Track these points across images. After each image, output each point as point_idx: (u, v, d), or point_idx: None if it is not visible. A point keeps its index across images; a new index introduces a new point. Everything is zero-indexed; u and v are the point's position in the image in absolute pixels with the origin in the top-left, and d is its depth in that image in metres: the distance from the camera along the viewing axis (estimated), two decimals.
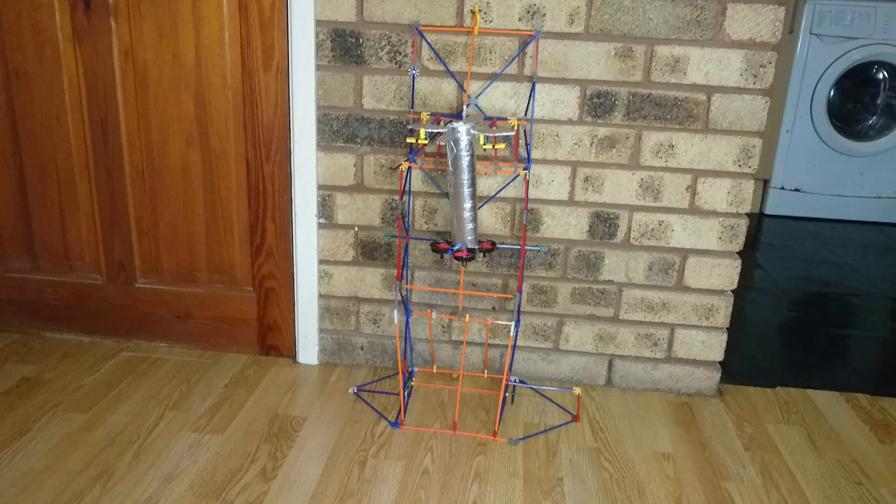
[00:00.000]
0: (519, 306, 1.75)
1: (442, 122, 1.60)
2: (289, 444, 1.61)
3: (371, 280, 1.91)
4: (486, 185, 1.78)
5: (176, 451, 1.56)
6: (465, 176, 1.37)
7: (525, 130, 1.70)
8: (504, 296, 1.86)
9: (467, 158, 1.35)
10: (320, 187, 1.85)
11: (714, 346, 1.87)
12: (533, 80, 1.69)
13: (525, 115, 1.71)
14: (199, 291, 2.00)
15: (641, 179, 1.75)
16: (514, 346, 1.72)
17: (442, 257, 1.47)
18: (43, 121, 1.89)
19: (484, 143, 1.36)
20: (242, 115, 1.83)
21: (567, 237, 1.82)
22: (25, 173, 1.94)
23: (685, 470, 1.58)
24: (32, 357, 1.96)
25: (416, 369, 1.96)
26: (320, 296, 1.94)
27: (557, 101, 1.71)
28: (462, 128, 1.32)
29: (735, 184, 1.74)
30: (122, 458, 1.53)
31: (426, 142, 1.39)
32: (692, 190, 1.75)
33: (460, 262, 1.45)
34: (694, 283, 1.82)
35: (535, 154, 1.75)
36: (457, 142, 1.33)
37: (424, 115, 1.59)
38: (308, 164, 1.82)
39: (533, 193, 1.78)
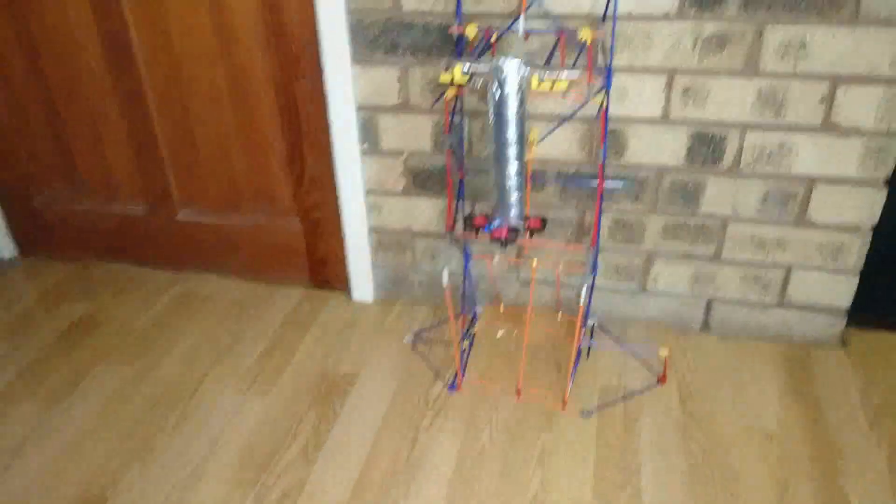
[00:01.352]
0: (596, 253, 1.46)
1: (494, 36, 1.25)
2: (336, 412, 1.47)
3: (426, 212, 1.66)
4: (551, 105, 1.44)
5: (220, 417, 1.46)
6: (512, 131, 1.05)
7: (603, 40, 1.32)
8: (573, 248, 1.57)
9: (515, 107, 1.03)
10: (360, 108, 1.57)
11: (841, 291, 1.53)
12: None
13: (605, 15, 1.32)
14: (244, 222, 1.82)
15: (759, 90, 1.35)
16: (589, 306, 1.46)
17: (476, 234, 1.19)
18: (59, 38, 1.67)
19: (538, 85, 1.02)
20: (264, 24, 1.54)
21: (658, 163, 1.47)
22: (55, 99, 1.77)
23: (792, 456, 1.32)
24: (87, 293, 1.89)
25: (480, 309, 1.74)
26: (371, 229, 1.72)
27: None
28: (509, 65, 0.99)
29: (890, 93, 1.31)
30: (166, 422, 1.44)
31: (464, 82, 1.08)
32: (828, 102, 1.34)
33: (499, 245, 1.17)
34: (821, 218, 1.46)
35: (619, 60, 1.38)
36: (502, 83, 1.00)
37: (471, 28, 1.24)
38: (343, 81, 1.53)
39: (615, 110, 1.43)
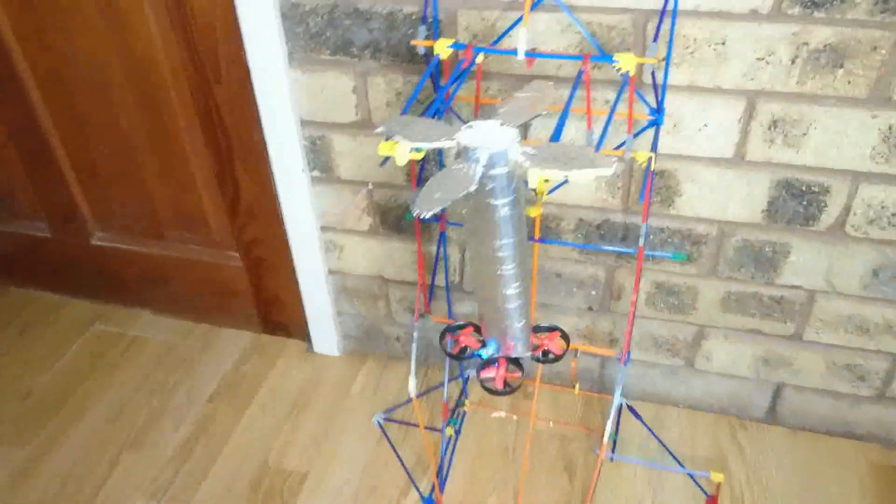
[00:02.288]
0: (629, 341, 1.03)
1: (480, 58, 0.79)
2: None
3: (401, 257, 1.24)
4: (577, 131, 0.99)
5: None
6: (507, 241, 0.62)
7: (654, 68, 0.85)
8: (594, 338, 1.14)
9: (506, 210, 0.59)
10: (305, 124, 1.13)
11: None
12: None
13: (662, 12, 0.85)
14: (172, 253, 1.42)
15: (890, 127, 0.89)
16: (619, 414, 1.04)
17: (459, 359, 0.77)
18: None
19: (542, 186, 0.57)
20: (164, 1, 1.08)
21: (725, 217, 1.03)
22: None
23: None
24: None
25: (474, 374, 1.35)
26: (331, 272, 1.31)
27: None
28: (491, 142, 0.54)
29: None
30: None
31: (418, 157, 0.63)
32: None
33: (488, 392, 0.75)
34: None
35: (676, 77, 0.91)
36: (482, 180, 0.56)
37: (442, 45, 0.78)
38: (277, 88, 1.08)
39: (665, 144, 0.98)
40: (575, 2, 0.89)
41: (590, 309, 1.19)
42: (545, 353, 0.79)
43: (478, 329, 0.78)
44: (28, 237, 1.51)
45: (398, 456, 1.21)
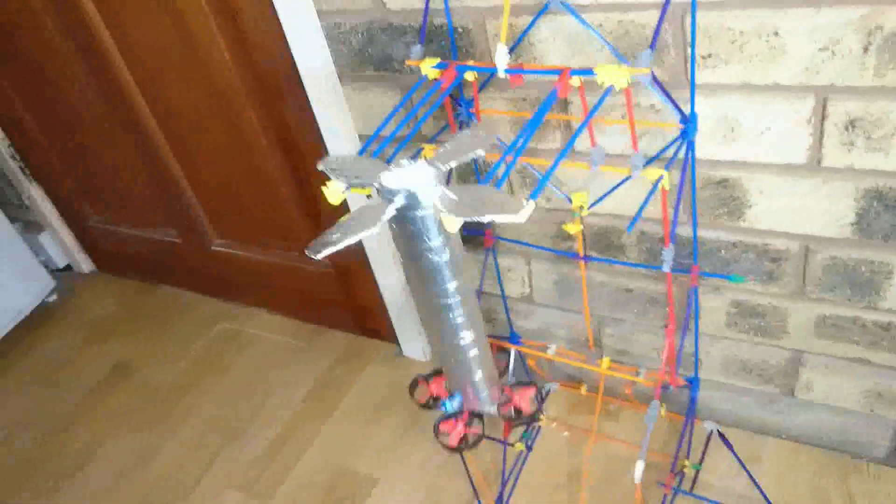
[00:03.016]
0: (696, 361, 0.91)
1: (473, 77, 0.74)
2: None
3: (470, 268, 1.21)
4: (616, 143, 0.89)
5: None
6: (447, 288, 0.57)
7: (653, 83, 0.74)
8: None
9: (438, 254, 0.55)
10: (362, 137, 1.14)
11: None
12: None
13: (661, 18, 0.74)
14: (276, 259, 1.51)
15: None
16: (690, 433, 0.93)
17: (429, 408, 0.73)
18: (51, 58, 1.43)
19: (453, 229, 0.52)
20: (220, 31, 1.15)
21: (805, 232, 0.88)
22: (69, 119, 1.55)
23: None
24: (138, 318, 1.74)
25: (555, 387, 1.29)
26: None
27: None
28: (403, 192, 0.49)
29: None
30: None
31: (363, 192, 0.60)
32: None
33: (443, 447, 0.69)
34: None
35: (726, 75, 0.79)
36: (406, 218, 0.52)
37: (427, 65, 0.74)
38: (333, 105, 1.10)
39: (724, 151, 0.85)
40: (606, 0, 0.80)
41: (666, 327, 1.08)
42: (515, 410, 0.73)
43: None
44: (165, 242, 1.69)
45: (466, 467, 1.19)
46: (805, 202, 0.85)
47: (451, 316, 0.59)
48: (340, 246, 0.50)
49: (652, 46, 0.71)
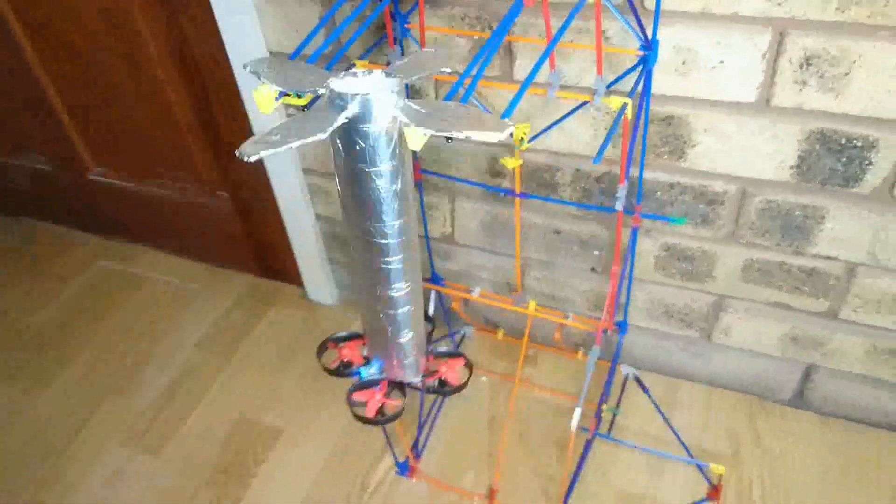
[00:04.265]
0: (626, 308, 0.89)
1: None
2: (239, 496, 1.06)
3: None
4: (570, 71, 0.83)
5: (91, 487, 1.09)
6: (385, 225, 0.49)
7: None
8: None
9: (385, 181, 0.46)
10: (273, 55, 1.01)
11: None
12: None
13: None
14: (169, 192, 1.36)
15: None
16: (618, 355, 0.91)
17: (339, 375, 0.65)
18: None
19: (419, 145, 0.45)
20: None
21: (747, 174, 0.86)
22: None
23: None
24: (7, 256, 1.53)
25: (470, 331, 1.24)
26: (318, 217, 1.22)
27: None
28: (358, 98, 0.41)
29: None
30: (24, 487, 1.09)
31: (298, 103, 0.51)
32: None
33: (357, 419, 0.62)
34: None
35: (687, 2, 0.74)
36: (356, 132, 0.43)
37: None
38: (240, 13, 0.97)
39: (673, 85, 0.81)
40: None
41: (592, 270, 1.05)
42: (441, 381, 0.66)
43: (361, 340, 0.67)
44: (32, 169, 1.48)
45: (381, 416, 1.13)
46: (750, 143, 0.83)
47: (386, 261, 0.51)
48: (281, 149, 0.40)
49: None
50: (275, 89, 0.48)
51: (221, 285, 1.41)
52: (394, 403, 0.63)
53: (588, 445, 1.01)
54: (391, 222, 0.49)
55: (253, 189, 1.23)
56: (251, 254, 1.37)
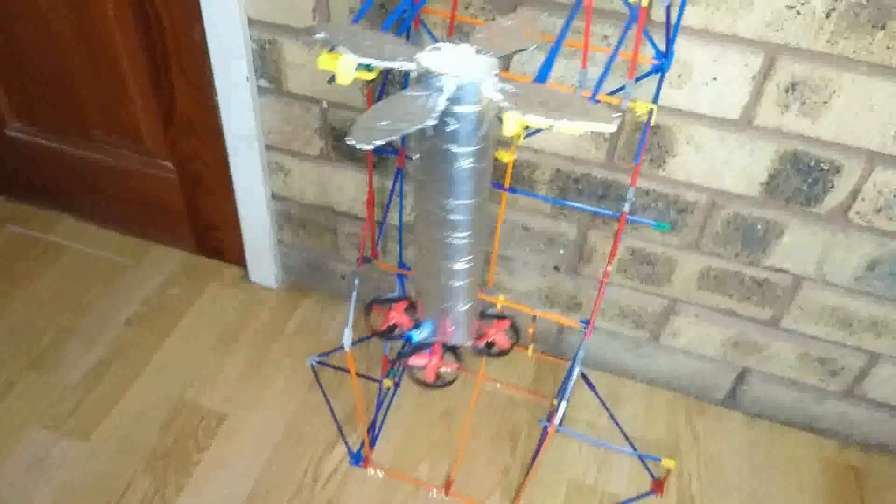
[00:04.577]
0: (597, 311, 0.93)
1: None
2: (179, 484, 1.00)
3: (354, 188, 1.11)
4: (567, 69, 0.85)
5: (13, 467, 1.00)
6: (460, 203, 0.49)
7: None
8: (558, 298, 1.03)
9: (469, 161, 0.46)
10: (253, 24, 0.97)
11: None
12: None
13: None
14: (101, 157, 1.26)
15: None
16: (572, 377, 0.95)
17: (387, 338, 0.65)
18: None
19: (518, 135, 0.45)
20: None
21: (718, 186, 0.91)
22: None
23: None
24: None
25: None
26: (274, 197, 1.17)
27: None
28: (455, 79, 0.41)
29: None
30: None
31: (370, 77, 0.50)
32: None
33: (416, 383, 0.63)
34: None
35: (690, 17, 0.78)
36: (444, 118, 0.43)
37: None
38: None
39: (668, 96, 0.85)
40: None
41: (555, 268, 1.08)
42: (489, 344, 0.67)
43: (413, 305, 0.66)
44: None
45: (329, 404, 1.11)
46: (727, 157, 0.88)
47: (457, 235, 0.51)
48: (392, 137, 0.39)
49: None
50: (353, 59, 0.46)
51: (154, 261, 1.32)
52: (450, 366, 0.63)
53: (544, 437, 1.04)
54: (467, 200, 0.49)
55: (206, 163, 1.16)
56: (190, 229, 1.30)
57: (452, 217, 0.50)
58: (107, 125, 1.20)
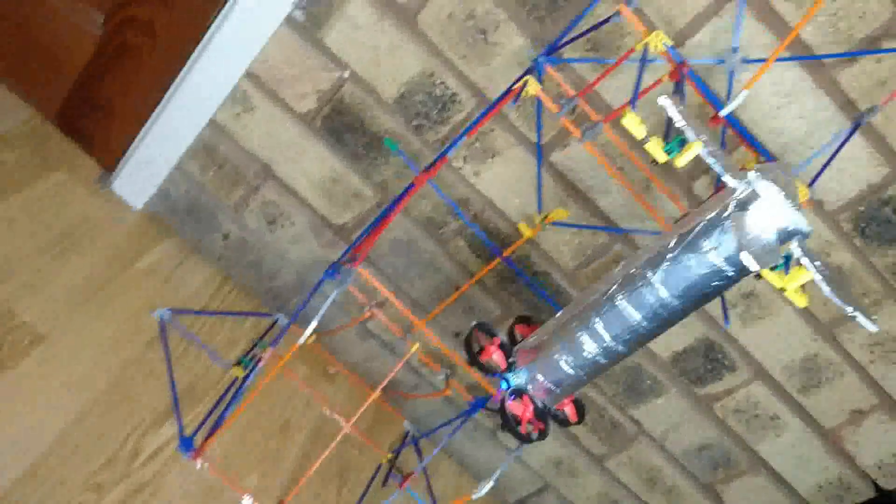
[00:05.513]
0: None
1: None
2: None
3: (311, 166, 1.00)
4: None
5: None
6: (670, 298, 0.50)
7: None
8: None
9: (716, 283, 0.48)
10: None
11: None
12: None
13: None
14: None
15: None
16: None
17: (487, 372, 0.61)
18: None
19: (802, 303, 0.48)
20: None
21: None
22: None
23: None
24: None
25: (285, 321, 1.14)
26: (212, 122, 1.00)
27: None
28: (796, 230, 0.42)
29: None
30: None
31: (662, 159, 0.49)
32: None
33: (505, 427, 0.62)
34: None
35: None
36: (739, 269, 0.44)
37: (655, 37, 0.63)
38: None
39: None
40: None
41: (456, 336, 1.09)
42: (562, 412, 0.68)
43: (506, 345, 0.63)
44: None
45: (170, 371, 0.94)
46: None
47: (647, 325, 0.51)
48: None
49: None
50: (660, 143, 0.46)
51: None
52: (537, 426, 0.61)
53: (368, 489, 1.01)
54: (675, 299, 0.51)
55: (153, 39, 0.95)
56: (66, 94, 1.03)
57: (660, 311, 0.51)
58: None
